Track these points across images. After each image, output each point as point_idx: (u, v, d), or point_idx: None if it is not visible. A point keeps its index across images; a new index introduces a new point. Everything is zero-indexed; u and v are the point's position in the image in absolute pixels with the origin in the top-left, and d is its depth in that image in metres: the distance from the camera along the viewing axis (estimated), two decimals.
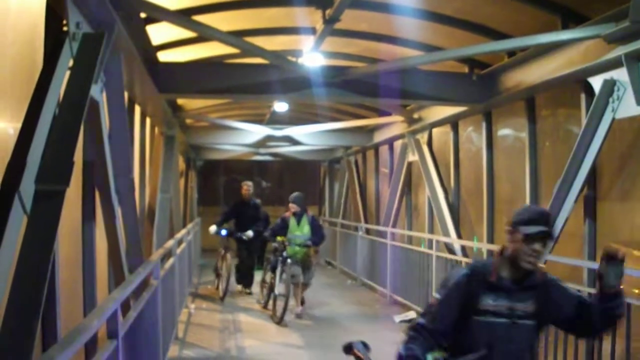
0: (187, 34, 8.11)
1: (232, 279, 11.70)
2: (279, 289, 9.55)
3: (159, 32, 7.67)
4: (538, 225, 2.95)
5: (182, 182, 15.58)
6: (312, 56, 8.53)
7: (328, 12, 7.13)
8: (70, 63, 4.39)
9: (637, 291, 6.23)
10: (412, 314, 9.73)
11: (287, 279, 9.41)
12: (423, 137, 11.09)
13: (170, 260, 7.50)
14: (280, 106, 13.09)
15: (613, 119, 5.92)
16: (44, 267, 3.53)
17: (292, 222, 9.94)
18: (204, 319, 9.66)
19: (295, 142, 14.85)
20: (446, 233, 9.72)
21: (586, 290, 5.96)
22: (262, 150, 17.18)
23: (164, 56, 8.47)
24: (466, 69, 9.00)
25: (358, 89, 8.47)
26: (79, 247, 5.83)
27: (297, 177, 23.05)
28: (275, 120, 15.17)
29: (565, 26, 6.71)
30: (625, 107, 5.75)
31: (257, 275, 11.64)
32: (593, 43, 6.00)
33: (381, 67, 8.33)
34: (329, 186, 20.18)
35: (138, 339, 4.51)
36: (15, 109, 4.55)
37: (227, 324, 9.30)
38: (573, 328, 3.32)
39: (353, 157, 16.94)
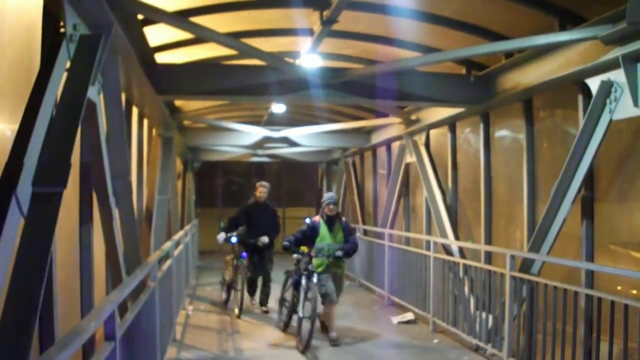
0: (184, 35, 8.10)
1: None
2: (305, 310, 7.95)
3: (156, 34, 7.66)
4: None
5: (179, 183, 15.59)
6: (310, 57, 8.54)
7: (325, 13, 7.13)
8: (68, 64, 4.38)
9: (634, 292, 6.24)
10: (410, 315, 9.74)
11: (314, 297, 7.81)
12: (421, 139, 11.09)
13: (168, 262, 7.49)
14: (278, 107, 13.10)
15: (610, 120, 5.93)
16: (41, 269, 3.52)
17: (324, 228, 8.40)
18: (202, 320, 9.65)
19: (292, 143, 14.84)
20: (444, 234, 9.72)
21: (584, 291, 5.98)
22: (259, 152, 17.18)
23: (161, 58, 8.47)
24: (464, 71, 9.00)
25: (356, 90, 8.47)
26: (76, 249, 5.83)
27: (295, 178, 23.06)
28: (272, 121, 15.17)
29: (562, 27, 6.72)
30: (623, 108, 5.76)
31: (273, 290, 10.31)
32: (590, 44, 6.01)
33: (379, 69, 8.34)
34: (327, 187, 20.17)
35: (135, 341, 4.50)
36: (13, 110, 4.55)
37: (225, 326, 9.29)
38: None
39: (351, 159, 16.95)
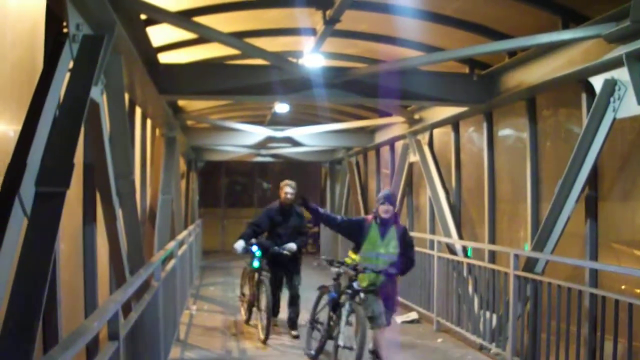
0: (187, 35, 8.10)
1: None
2: (345, 337, 6.42)
3: (159, 34, 7.67)
4: None
5: (183, 183, 15.60)
6: (313, 57, 8.53)
7: (328, 13, 7.13)
8: (71, 65, 4.39)
9: (639, 291, 6.23)
10: (414, 315, 9.73)
11: (362, 327, 6.19)
12: (424, 138, 11.08)
13: (172, 262, 7.50)
14: (281, 107, 13.09)
15: (614, 119, 5.91)
16: (44, 269, 3.53)
17: (374, 232, 6.56)
18: (206, 320, 9.64)
19: (296, 143, 14.84)
20: (447, 234, 9.71)
21: (588, 290, 5.97)
22: (263, 152, 17.18)
23: (164, 57, 8.47)
24: (467, 70, 8.99)
25: (359, 89, 8.46)
26: (80, 249, 5.84)
27: (299, 178, 22.80)
28: (276, 121, 15.17)
29: (565, 26, 6.70)
30: (627, 106, 5.75)
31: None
32: (594, 43, 5.99)
33: (382, 68, 8.32)
34: (330, 187, 20.18)
35: (139, 341, 4.51)
36: (16, 110, 4.56)
37: (229, 325, 9.28)
38: None
39: (354, 158, 16.94)
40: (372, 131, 14.60)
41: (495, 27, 7.69)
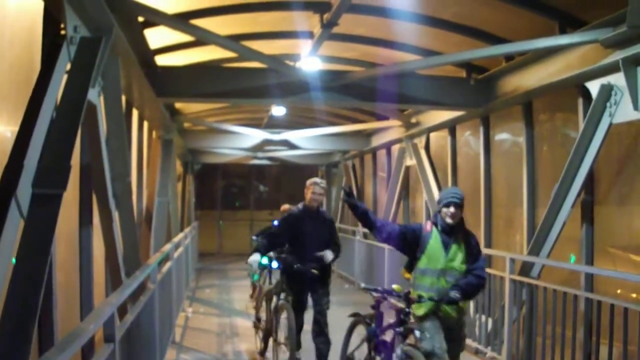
0: (185, 37, 8.10)
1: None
2: None
3: (156, 36, 7.66)
4: None
5: (179, 186, 15.59)
6: (310, 60, 8.55)
7: (326, 16, 7.14)
8: (68, 67, 4.39)
9: (634, 295, 6.24)
10: None
11: None
12: (421, 142, 11.09)
13: (168, 264, 7.49)
14: (278, 110, 13.11)
15: (610, 124, 5.93)
16: (40, 270, 3.52)
17: (436, 243, 5.00)
18: (201, 322, 9.63)
19: (292, 146, 14.85)
20: None
21: (583, 295, 5.98)
22: (259, 154, 17.18)
23: (161, 60, 8.47)
24: (464, 74, 9.00)
25: (356, 93, 8.47)
26: (76, 251, 5.82)
27: (295, 181, 22.98)
28: (272, 124, 15.18)
29: (562, 31, 6.72)
30: (623, 111, 5.76)
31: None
32: (590, 48, 6.01)
33: (379, 72, 8.35)
34: (327, 190, 20.14)
35: (135, 343, 4.50)
36: (13, 112, 4.56)
37: (225, 328, 9.28)
38: None
39: (351, 161, 16.96)
40: (368, 135, 14.61)
41: (493, 32, 7.71)
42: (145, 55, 7.39)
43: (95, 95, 4.88)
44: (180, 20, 7.03)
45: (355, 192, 16.15)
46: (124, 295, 4.16)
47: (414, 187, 12.47)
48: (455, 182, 10.39)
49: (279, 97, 8.67)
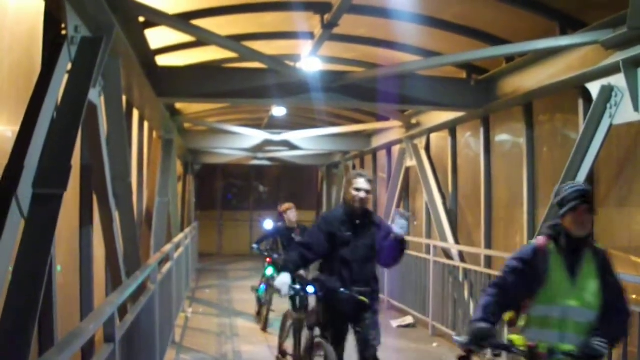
0: (185, 38, 8.10)
1: None
2: None
3: (157, 36, 7.66)
4: None
5: (180, 186, 15.59)
6: (311, 61, 8.54)
7: (326, 17, 7.14)
8: (69, 67, 4.39)
9: (634, 297, 6.23)
10: (409, 319, 9.73)
11: None
12: (421, 142, 11.09)
13: (168, 264, 7.49)
14: (279, 111, 13.11)
15: (611, 125, 5.93)
16: (41, 270, 3.52)
17: (558, 268, 3.46)
18: (201, 323, 9.64)
19: (293, 146, 14.85)
20: (444, 238, 9.72)
21: None
22: (260, 155, 17.17)
23: (162, 60, 8.47)
24: (464, 75, 9.01)
25: (356, 94, 8.47)
26: (76, 251, 5.82)
27: (295, 181, 23.08)
28: (273, 124, 15.18)
29: (563, 32, 6.72)
30: (623, 113, 5.76)
31: None
32: (591, 49, 6.01)
33: (379, 72, 8.34)
34: (327, 191, 20.16)
35: (135, 343, 4.50)
36: (14, 112, 4.56)
37: (224, 329, 9.28)
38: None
39: (351, 162, 16.96)
40: (369, 135, 14.61)
41: (493, 33, 7.71)
42: (146, 55, 7.39)
43: (95, 95, 4.88)
44: (181, 21, 7.03)
45: None
46: (124, 296, 4.16)
47: (414, 188, 12.46)
48: (455, 182, 10.40)
49: (279, 98, 8.67)
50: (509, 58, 7.80)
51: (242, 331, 9.10)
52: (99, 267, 6.41)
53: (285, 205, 9.39)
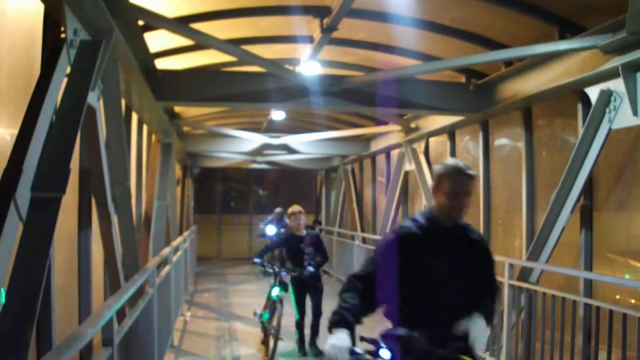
0: (184, 41, 8.11)
1: None
2: None
3: (156, 40, 7.67)
4: None
5: (178, 189, 15.58)
6: (310, 65, 8.55)
7: (326, 21, 7.15)
8: (68, 70, 4.39)
9: (633, 301, 6.24)
10: None
11: None
12: (420, 147, 11.10)
13: (166, 268, 7.48)
14: (278, 114, 13.11)
15: (610, 129, 5.94)
16: (39, 274, 3.51)
17: None
18: (200, 326, 9.62)
19: (292, 150, 14.85)
20: None
21: (582, 300, 5.98)
22: (259, 159, 17.19)
23: (161, 64, 8.47)
24: (463, 79, 9.02)
25: (355, 98, 8.47)
26: (74, 255, 5.81)
27: (294, 185, 23.08)
28: (272, 128, 15.19)
29: (562, 37, 6.73)
30: (622, 117, 5.77)
31: None
32: (590, 53, 6.02)
33: (378, 76, 8.34)
34: (326, 195, 20.16)
35: (133, 347, 4.49)
36: (12, 115, 4.55)
37: (223, 332, 9.26)
38: None
39: (350, 166, 16.95)
40: (368, 139, 14.61)
41: (492, 37, 7.72)
42: (145, 59, 7.39)
43: (94, 99, 4.88)
44: (180, 24, 7.03)
45: (354, 197, 16.14)
46: (123, 299, 4.15)
47: (413, 192, 12.46)
48: None
49: (278, 102, 8.67)
50: (508, 62, 7.81)
51: (240, 335, 9.08)
52: (98, 271, 6.40)
53: (292, 208, 7.89)
